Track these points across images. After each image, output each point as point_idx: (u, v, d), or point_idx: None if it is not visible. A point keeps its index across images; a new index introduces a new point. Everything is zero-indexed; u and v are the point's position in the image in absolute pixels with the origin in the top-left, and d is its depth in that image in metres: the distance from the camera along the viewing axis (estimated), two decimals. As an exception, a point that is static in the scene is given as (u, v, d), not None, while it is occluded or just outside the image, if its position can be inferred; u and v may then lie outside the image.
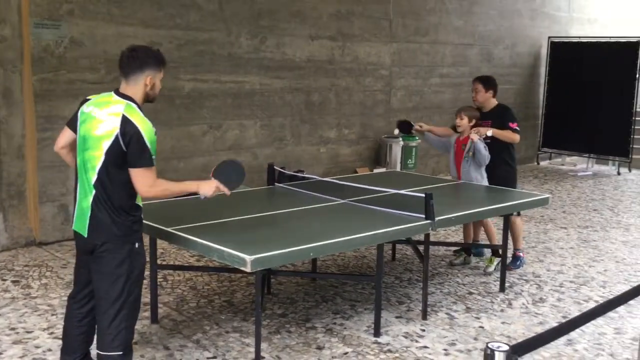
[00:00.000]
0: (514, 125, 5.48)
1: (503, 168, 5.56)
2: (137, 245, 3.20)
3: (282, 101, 8.06)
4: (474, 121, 5.42)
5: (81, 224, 3.16)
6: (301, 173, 7.29)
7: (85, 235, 3.16)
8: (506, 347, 1.90)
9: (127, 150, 3.03)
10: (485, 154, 5.32)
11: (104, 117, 3.09)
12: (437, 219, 4.09)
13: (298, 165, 8.23)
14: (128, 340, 3.21)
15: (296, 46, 8.06)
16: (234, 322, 4.43)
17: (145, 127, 3.06)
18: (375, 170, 8.85)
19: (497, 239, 5.56)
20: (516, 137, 5.50)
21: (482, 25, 10.58)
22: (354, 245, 4.05)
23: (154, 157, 3.09)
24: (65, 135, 3.31)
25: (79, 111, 3.23)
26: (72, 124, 3.26)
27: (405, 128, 5.92)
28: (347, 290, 5.07)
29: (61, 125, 6.10)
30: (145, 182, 3.08)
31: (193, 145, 7.25)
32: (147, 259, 4.54)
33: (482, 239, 5.91)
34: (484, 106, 5.59)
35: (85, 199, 3.13)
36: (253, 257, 3.27)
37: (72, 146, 3.28)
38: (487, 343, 1.88)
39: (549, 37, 11.75)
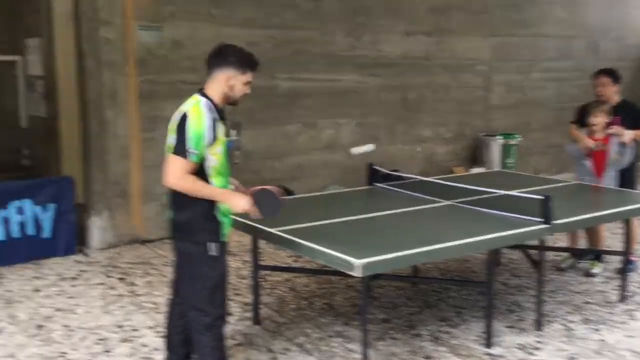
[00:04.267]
0: None
1: (630, 168, 5.16)
2: (213, 249, 3.08)
3: (377, 99, 7.89)
4: (609, 117, 5.09)
5: (168, 225, 3.19)
6: (396, 172, 7.09)
7: (170, 235, 3.19)
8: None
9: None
10: (633, 154, 5.07)
11: (176, 113, 3.09)
12: (555, 222, 3.80)
13: (393, 164, 8.01)
14: (217, 348, 3.12)
15: (392, 43, 7.87)
16: (336, 326, 4.31)
17: (196, 119, 2.96)
18: (473, 170, 8.52)
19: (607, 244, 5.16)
20: None
21: (588, 16, 9.97)
22: (466, 251, 3.83)
23: (193, 151, 2.95)
24: None
25: None
26: None
27: None
28: (451, 295, 4.84)
29: (163, 125, 6.25)
30: (173, 172, 2.98)
31: (288, 144, 7.22)
32: (249, 258, 4.55)
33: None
34: (609, 101, 5.22)
35: (168, 198, 3.15)
36: (362, 261, 3.13)
37: None
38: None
39: (662, 27, 10.93)
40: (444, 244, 3.45)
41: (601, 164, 5.10)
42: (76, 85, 6.06)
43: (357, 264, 3.12)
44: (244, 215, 3.32)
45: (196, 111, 3.00)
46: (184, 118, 2.99)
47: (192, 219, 3.06)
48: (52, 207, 5.69)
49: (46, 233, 5.69)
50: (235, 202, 3.11)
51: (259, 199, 3.17)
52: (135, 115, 6.05)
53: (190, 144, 2.95)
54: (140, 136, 6.08)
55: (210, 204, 3.09)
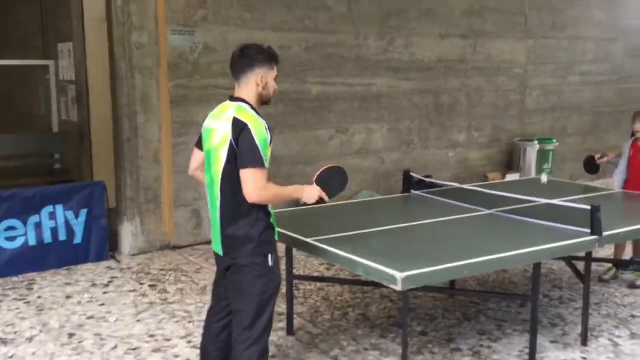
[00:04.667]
0: None
1: None
2: (270, 260, 2.96)
3: (410, 103, 7.75)
4: None
5: (216, 242, 3.04)
6: (429, 178, 6.93)
7: (221, 254, 3.03)
8: None
9: (237, 150, 2.83)
10: None
11: (218, 125, 2.94)
12: (604, 234, 3.62)
13: (425, 170, 7.86)
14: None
15: (425, 46, 7.72)
16: (372, 338, 4.18)
17: (255, 125, 2.83)
18: (508, 176, 8.32)
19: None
20: None
21: (627, 18, 9.70)
22: (513, 263, 3.68)
23: (264, 157, 2.83)
24: (196, 157, 3.17)
25: (202, 129, 3.10)
26: (200, 144, 3.13)
27: (591, 167, 5.30)
28: (491, 307, 4.67)
29: (195, 130, 6.16)
30: (256, 185, 2.81)
31: (319, 149, 7.11)
32: (283, 266, 4.44)
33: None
34: None
35: (215, 215, 2.99)
36: (404, 274, 3.00)
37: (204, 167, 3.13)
38: None
39: None
40: (490, 257, 3.29)
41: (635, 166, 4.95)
42: (108, 90, 6.03)
43: (400, 277, 2.98)
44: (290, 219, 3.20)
45: (250, 117, 2.87)
46: (241, 127, 2.83)
47: (252, 231, 2.91)
48: (83, 212, 5.66)
49: (78, 238, 5.66)
50: (309, 193, 3.10)
51: (324, 182, 3.17)
52: (166, 120, 5.99)
53: (262, 151, 2.83)
54: (171, 141, 6.03)
55: (267, 213, 2.96)
